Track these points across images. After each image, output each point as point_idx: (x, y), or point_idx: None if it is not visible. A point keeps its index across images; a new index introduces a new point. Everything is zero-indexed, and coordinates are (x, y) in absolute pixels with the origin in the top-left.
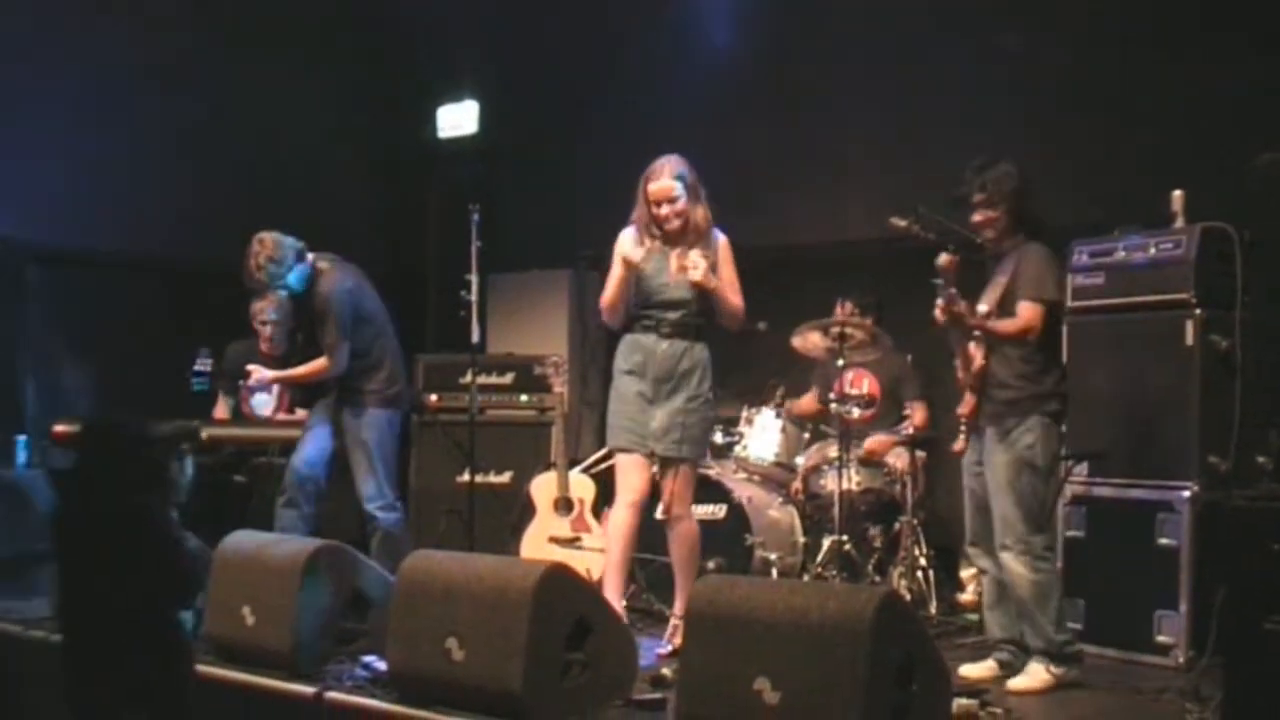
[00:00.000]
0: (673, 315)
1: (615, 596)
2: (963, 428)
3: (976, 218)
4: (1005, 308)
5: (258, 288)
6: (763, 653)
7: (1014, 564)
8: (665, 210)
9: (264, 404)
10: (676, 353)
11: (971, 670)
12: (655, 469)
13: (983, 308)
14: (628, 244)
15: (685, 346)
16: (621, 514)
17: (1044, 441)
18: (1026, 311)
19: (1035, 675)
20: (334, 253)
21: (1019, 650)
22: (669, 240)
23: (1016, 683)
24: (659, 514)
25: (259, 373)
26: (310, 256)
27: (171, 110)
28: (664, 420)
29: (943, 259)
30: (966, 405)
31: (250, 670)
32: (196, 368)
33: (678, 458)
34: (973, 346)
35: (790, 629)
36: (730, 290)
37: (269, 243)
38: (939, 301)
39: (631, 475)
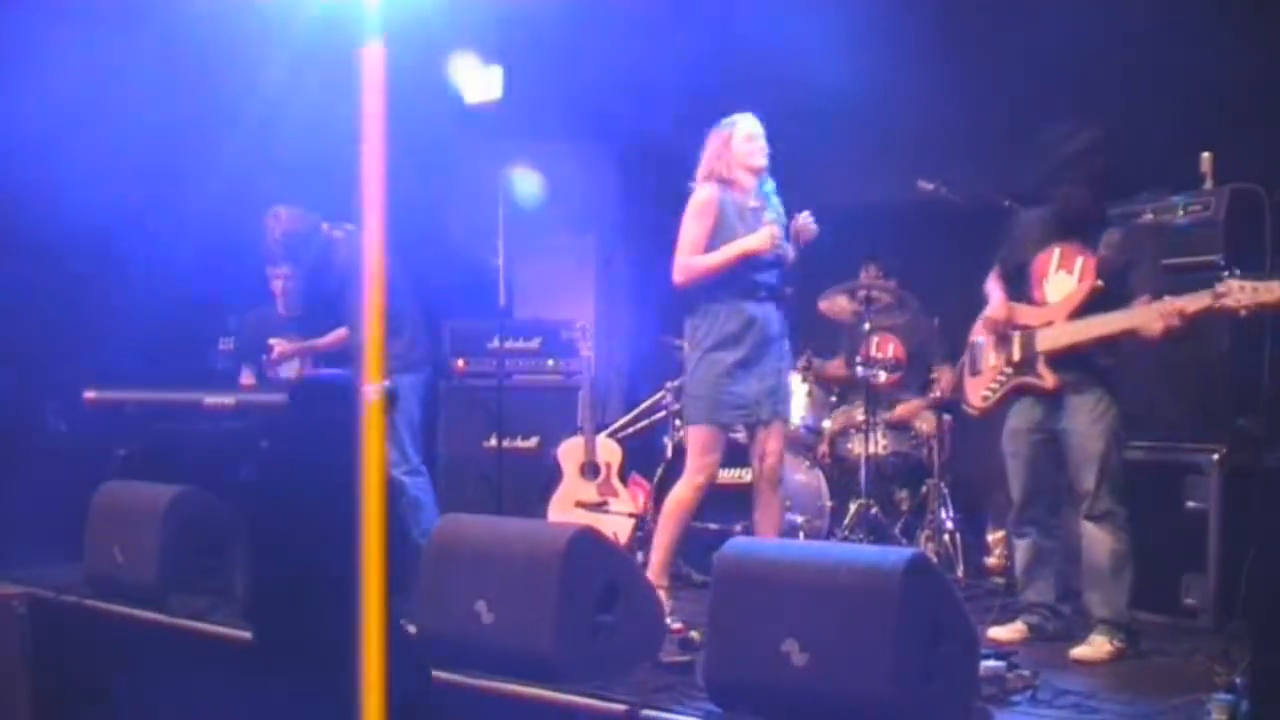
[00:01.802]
0: (769, 278)
1: (661, 575)
2: (990, 390)
3: (1063, 189)
4: (1107, 282)
5: (275, 261)
6: (791, 615)
7: (1099, 532)
8: (761, 142)
9: (288, 368)
10: (773, 316)
11: (1000, 632)
12: (741, 435)
13: (1083, 282)
14: (768, 234)
15: (776, 309)
16: (691, 495)
17: (1120, 409)
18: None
19: (1100, 646)
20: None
21: (1050, 613)
22: (755, 182)
23: (1079, 651)
24: (762, 478)
25: (282, 346)
26: (326, 226)
27: (192, 74)
28: (769, 381)
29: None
30: (1050, 377)
31: None
32: (221, 348)
33: (781, 417)
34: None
35: (819, 591)
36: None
37: (285, 216)
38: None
39: (713, 454)
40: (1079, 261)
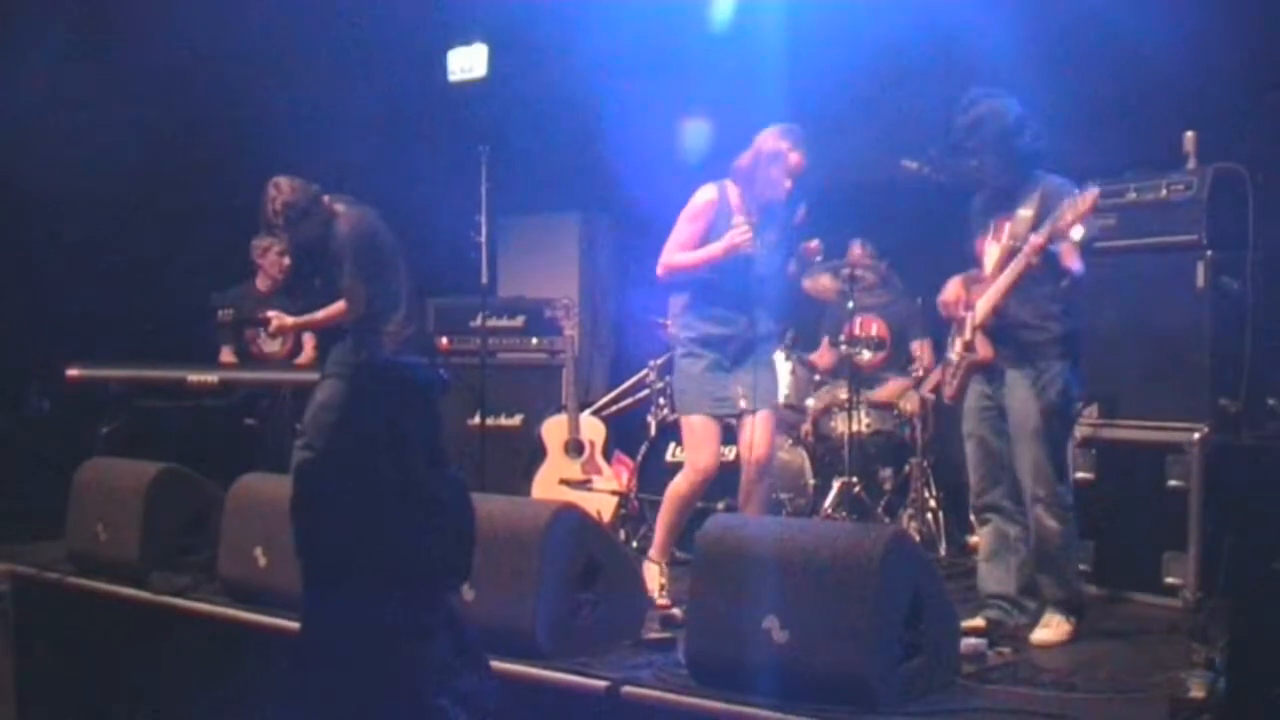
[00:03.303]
0: (750, 283)
1: (659, 554)
2: (954, 376)
3: (972, 163)
4: (1022, 241)
5: (275, 232)
6: (772, 591)
7: (1046, 516)
8: (790, 184)
9: (271, 342)
10: (758, 319)
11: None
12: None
13: (1011, 241)
14: (742, 235)
15: (763, 313)
16: (686, 488)
17: (1071, 386)
18: (1073, 255)
19: (1058, 627)
20: (346, 195)
21: (1011, 606)
22: (765, 203)
23: (1039, 635)
24: (751, 467)
25: (279, 319)
26: (325, 199)
27: (181, 49)
28: (752, 377)
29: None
30: (986, 348)
31: (263, 611)
32: (219, 319)
33: (767, 406)
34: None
35: (800, 568)
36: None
37: (285, 187)
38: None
39: (708, 444)
40: (1005, 228)
